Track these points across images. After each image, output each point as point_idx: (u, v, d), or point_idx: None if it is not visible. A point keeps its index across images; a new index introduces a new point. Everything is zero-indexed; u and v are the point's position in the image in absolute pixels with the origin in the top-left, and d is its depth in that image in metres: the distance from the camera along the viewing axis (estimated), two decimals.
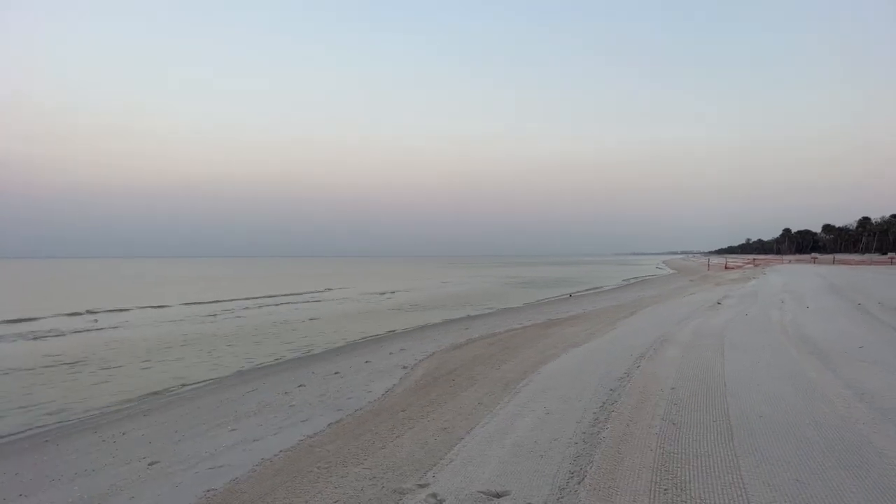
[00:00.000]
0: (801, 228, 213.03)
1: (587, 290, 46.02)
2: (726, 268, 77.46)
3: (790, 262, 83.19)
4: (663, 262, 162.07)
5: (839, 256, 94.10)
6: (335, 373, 12.82)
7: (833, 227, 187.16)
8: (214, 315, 30.56)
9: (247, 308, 34.86)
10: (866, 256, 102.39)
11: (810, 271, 45.18)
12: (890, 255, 76.19)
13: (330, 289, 54.37)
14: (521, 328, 18.09)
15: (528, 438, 6.02)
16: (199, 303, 38.57)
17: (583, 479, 4.71)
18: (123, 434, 9.14)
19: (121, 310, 33.26)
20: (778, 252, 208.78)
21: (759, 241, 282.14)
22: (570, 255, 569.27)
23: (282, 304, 37.77)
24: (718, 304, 19.61)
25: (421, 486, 5.02)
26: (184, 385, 14.04)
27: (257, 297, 42.67)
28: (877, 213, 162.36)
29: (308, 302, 39.20)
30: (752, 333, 12.82)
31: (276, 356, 17.67)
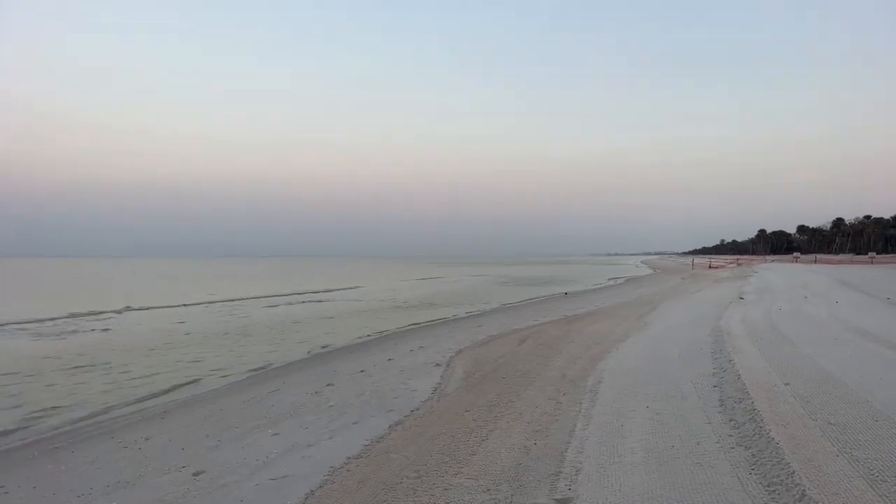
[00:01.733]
0: (776, 229, 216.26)
1: (580, 288, 45.52)
2: (710, 267, 77.97)
3: (773, 261, 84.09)
4: (642, 262, 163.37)
5: (820, 256, 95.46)
6: (361, 371, 11.98)
7: (807, 227, 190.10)
8: (224, 313, 29.40)
9: (246, 307, 33.70)
10: (845, 256, 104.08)
11: (801, 270, 45.36)
12: (870, 254, 77.50)
13: (322, 290, 53.22)
14: (538, 325, 17.41)
15: (658, 443, 5.30)
16: (198, 303, 37.24)
17: (802, 495, 3.82)
18: (147, 439, 8.18)
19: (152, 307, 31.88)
20: (753, 252, 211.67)
21: (734, 241, 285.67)
22: (546, 255, 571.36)
23: (278, 304, 36.67)
24: (741, 299, 19.17)
25: (561, 501, 4.23)
26: (187, 385, 13.01)
27: (260, 297, 41.40)
28: (850, 215, 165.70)
29: (299, 303, 38.13)
30: (807, 327, 12.27)
31: (280, 355, 16.70)
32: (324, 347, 17.86)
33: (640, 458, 4.85)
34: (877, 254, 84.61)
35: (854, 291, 20.75)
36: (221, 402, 10.60)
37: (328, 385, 10.75)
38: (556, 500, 4.21)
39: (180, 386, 12.89)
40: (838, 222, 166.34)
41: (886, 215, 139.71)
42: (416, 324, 23.33)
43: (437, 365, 11.61)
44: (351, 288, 50.79)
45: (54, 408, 11.09)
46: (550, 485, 4.52)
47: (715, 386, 7.04)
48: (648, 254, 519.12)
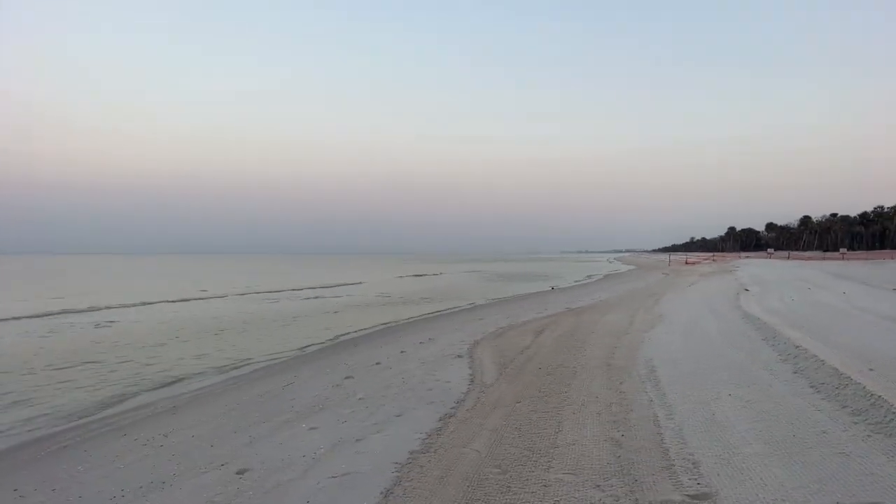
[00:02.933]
0: (745, 227, 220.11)
1: (564, 284, 45.40)
2: (687, 263, 78.79)
3: (747, 257, 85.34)
4: (615, 259, 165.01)
5: (793, 253, 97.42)
6: (376, 363, 11.45)
7: (776, 225, 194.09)
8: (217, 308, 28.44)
9: (244, 302, 32.76)
10: (816, 253, 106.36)
11: (783, 265, 45.93)
12: (841, 250, 79.44)
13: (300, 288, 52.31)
14: (546, 317, 17.08)
15: (773, 432, 4.92)
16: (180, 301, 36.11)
17: None
18: (165, 436, 7.54)
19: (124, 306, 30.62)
20: (722, 250, 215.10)
21: (704, 239, 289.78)
22: (519, 253, 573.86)
23: (273, 300, 35.78)
24: (746, 290, 19.06)
25: (697, 497, 3.78)
26: (179, 380, 12.31)
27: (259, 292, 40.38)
28: (817, 213, 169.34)
29: (300, 299, 37.28)
30: (833, 315, 12.13)
31: (282, 349, 16.04)
32: (327, 341, 17.23)
33: (762, 449, 4.46)
34: (847, 250, 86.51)
35: (855, 283, 20.86)
36: (232, 396, 9.97)
37: (347, 378, 10.20)
38: (690, 496, 3.76)
39: (181, 379, 12.18)
40: (805, 220, 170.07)
41: (852, 213, 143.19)
42: (413, 317, 22.83)
43: (459, 357, 11.15)
44: (347, 284, 49.94)
45: (48, 404, 10.31)
46: (672, 479, 4.08)
47: (795, 372, 6.70)
48: (618, 251, 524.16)
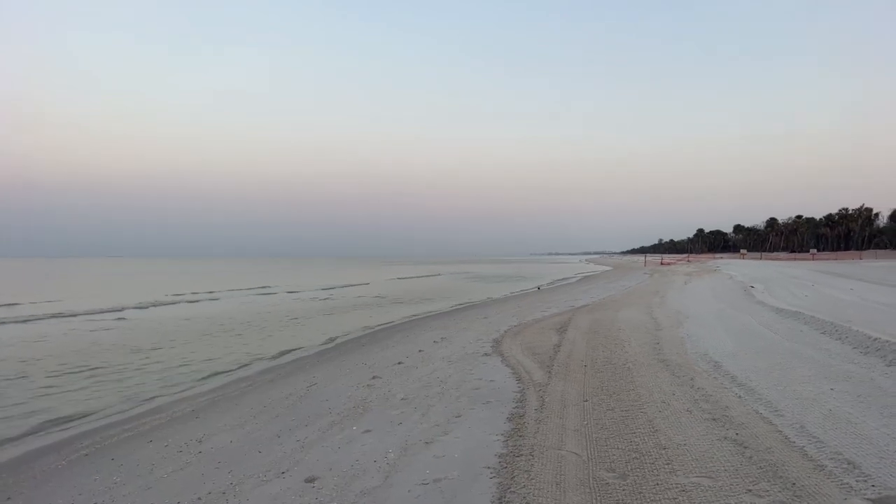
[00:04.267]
0: (713, 229, 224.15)
1: (548, 284, 45.23)
2: (663, 264, 79.65)
3: (721, 258, 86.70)
4: (587, 261, 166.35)
5: (765, 254, 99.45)
6: (398, 363, 10.97)
7: (743, 227, 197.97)
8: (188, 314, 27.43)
9: (221, 301, 31.75)
10: (785, 253, 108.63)
11: (760, 264, 46.61)
12: (811, 251, 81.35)
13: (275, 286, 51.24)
14: (556, 315, 16.79)
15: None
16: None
17: None
18: (200, 441, 6.96)
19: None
20: (690, 251, 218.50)
21: (672, 241, 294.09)
22: (489, 255, 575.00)
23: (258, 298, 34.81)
24: (752, 287, 19.01)
25: (880, 502, 3.41)
26: (192, 382, 11.65)
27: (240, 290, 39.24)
28: (783, 215, 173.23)
29: (269, 296, 36.37)
30: (864, 309, 11.97)
31: (280, 349, 15.41)
32: (332, 340, 16.65)
33: None
34: (824, 250, 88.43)
35: (855, 281, 21.07)
36: (254, 398, 9.39)
37: (374, 377, 9.70)
38: (870, 500, 3.38)
39: (190, 382, 11.49)
40: (772, 222, 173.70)
41: (817, 215, 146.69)
42: (414, 316, 22.34)
43: (486, 355, 10.72)
44: (352, 286, 49.07)
45: (48, 409, 9.58)
46: (835, 481, 3.73)
47: (890, 364, 6.41)
48: (588, 253, 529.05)
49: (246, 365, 13.27)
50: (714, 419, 5.40)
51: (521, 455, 4.96)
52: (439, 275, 71.60)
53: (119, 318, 23.52)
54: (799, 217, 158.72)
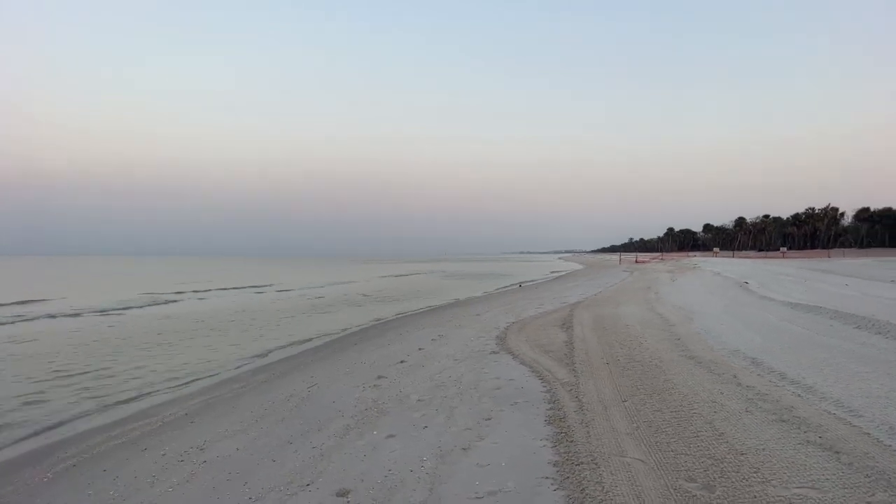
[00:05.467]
0: (683, 228, 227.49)
1: (529, 282, 44.94)
2: (637, 262, 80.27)
3: (695, 256, 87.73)
4: (560, 259, 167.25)
5: (737, 252, 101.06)
6: (401, 361, 10.43)
7: (712, 226, 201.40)
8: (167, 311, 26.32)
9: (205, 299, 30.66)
10: (756, 252, 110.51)
11: (737, 262, 47.04)
12: (782, 249, 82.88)
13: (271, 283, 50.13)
14: (551, 312, 16.41)
15: None
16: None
17: None
18: (202, 449, 6.32)
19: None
20: (660, 250, 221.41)
21: (642, 240, 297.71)
22: (461, 254, 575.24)
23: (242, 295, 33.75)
24: (746, 283, 18.87)
25: None
26: (183, 385, 10.93)
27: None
28: (751, 214, 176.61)
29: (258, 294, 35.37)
30: (877, 304, 11.73)
31: (272, 347, 14.71)
32: (322, 337, 15.99)
33: None
34: (791, 249, 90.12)
35: (844, 277, 21.11)
36: (251, 400, 8.73)
37: (379, 377, 9.15)
38: None
39: (175, 384, 10.75)
40: (741, 221, 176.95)
41: (784, 215, 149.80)
42: (401, 313, 21.75)
43: (494, 353, 10.27)
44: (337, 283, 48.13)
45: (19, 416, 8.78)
46: None
47: None
48: (559, 252, 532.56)
49: (236, 365, 12.53)
50: (782, 420, 4.97)
51: (582, 463, 4.46)
52: (420, 273, 70.96)
53: (100, 317, 22.43)
54: (766, 216, 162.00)
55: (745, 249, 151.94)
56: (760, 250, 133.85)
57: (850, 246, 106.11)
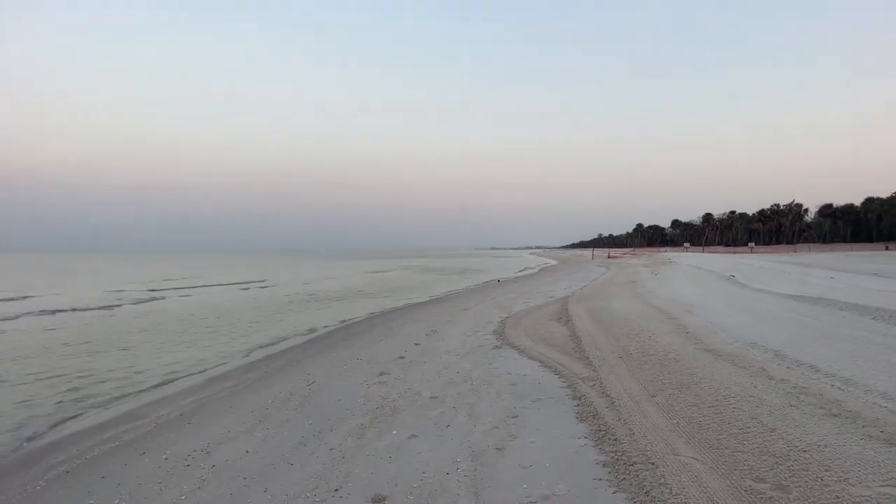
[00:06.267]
0: (651, 224, 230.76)
1: (505, 277, 44.75)
2: (610, 257, 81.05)
3: (667, 251, 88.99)
4: (532, 255, 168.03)
5: (707, 248, 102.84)
6: (400, 357, 10.19)
7: (680, 222, 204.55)
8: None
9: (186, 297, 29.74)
10: (724, 247, 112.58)
11: (709, 257, 47.68)
12: (750, 244, 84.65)
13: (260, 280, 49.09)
14: (540, 307, 16.34)
15: None
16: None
17: None
18: (207, 453, 5.92)
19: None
20: (629, 245, 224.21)
21: (611, 235, 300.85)
22: (432, 249, 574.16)
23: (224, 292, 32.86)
24: (732, 276, 18.97)
25: None
26: (166, 383, 10.43)
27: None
28: (718, 210, 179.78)
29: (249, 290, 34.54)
30: (862, 295, 11.80)
31: (258, 344, 14.23)
32: (307, 333, 15.53)
33: None
34: (757, 244, 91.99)
35: (825, 270, 21.38)
36: (249, 400, 8.31)
37: (381, 373, 8.84)
38: None
39: (165, 383, 10.25)
40: (708, 217, 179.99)
41: (750, 211, 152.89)
42: (384, 310, 21.33)
43: (497, 348, 10.05)
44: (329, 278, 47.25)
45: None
46: None
47: None
48: (529, 248, 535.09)
49: (223, 363, 12.03)
50: (833, 415, 4.80)
51: (636, 463, 4.20)
52: (394, 270, 70.45)
53: (80, 314, 21.54)
54: (733, 213, 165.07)
55: (713, 245, 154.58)
56: (728, 245, 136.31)
57: (814, 241, 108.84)
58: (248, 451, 5.78)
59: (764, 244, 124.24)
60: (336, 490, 4.50)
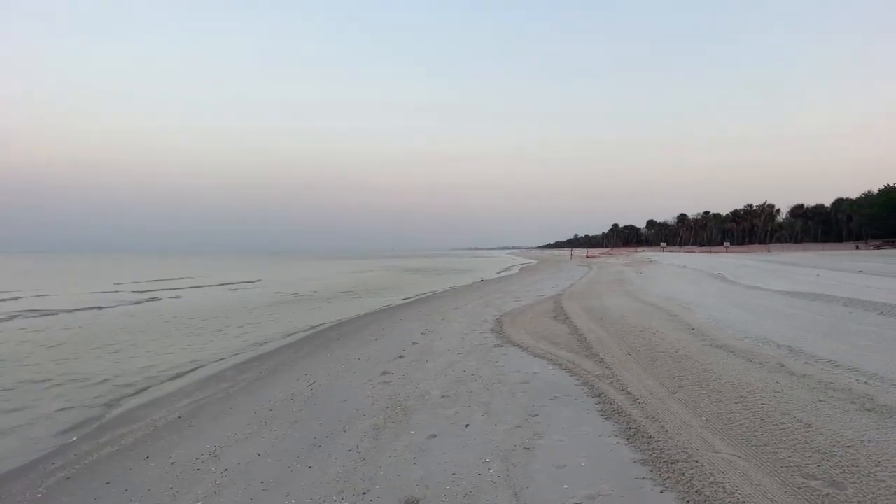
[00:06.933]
0: (627, 224, 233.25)
1: (488, 277, 44.68)
2: (588, 256, 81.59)
3: (644, 251, 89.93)
4: (510, 255, 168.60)
5: (683, 247, 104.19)
6: (399, 356, 9.98)
7: (655, 222, 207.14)
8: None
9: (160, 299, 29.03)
10: (700, 247, 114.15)
11: (688, 256, 48.14)
12: (725, 244, 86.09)
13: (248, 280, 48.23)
14: (531, 305, 16.23)
15: None
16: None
17: None
18: (216, 456, 5.69)
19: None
20: (606, 245, 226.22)
21: (587, 235, 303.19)
22: (410, 249, 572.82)
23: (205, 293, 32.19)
24: (720, 274, 19.11)
25: None
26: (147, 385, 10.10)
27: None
28: (692, 211, 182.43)
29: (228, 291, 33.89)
30: (850, 290, 11.92)
31: (250, 344, 13.91)
32: (299, 332, 15.25)
33: None
34: (731, 244, 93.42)
35: (808, 268, 21.64)
36: (248, 400, 8.09)
37: (384, 373, 8.65)
38: None
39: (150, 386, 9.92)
40: (682, 217, 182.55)
41: (723, 212, 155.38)
42: (375, 310, 21.07)
43: (499, 346, 9.92)
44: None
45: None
46: None
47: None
48: (507, 248, 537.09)
49: (213, 363, 11.71)
50: (867, 409, 4.76)
51: (678, 461, 4.09)
52: (374, 270, 70.03)
53: (67, 315, 20.87)
54: (707, 213, 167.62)
55: (689, 244, 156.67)
56: (702, 245, 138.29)
57: (786, 241, 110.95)
58: (259, 454, 5.56)
59: (738, 244, 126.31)
60: (364, 493, 4.32)
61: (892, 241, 61.46)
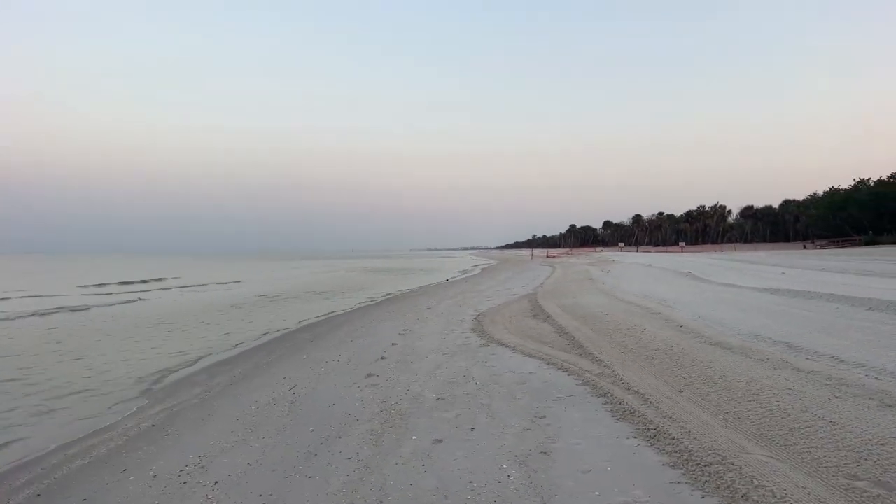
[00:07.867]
0: (583, 225, 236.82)
1: (452, 277, 44.49)
2: (549, 256, 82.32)
3: (603, 251, 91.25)
4: (471, 255, 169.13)
5: (640, 247, 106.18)
6: (381, 358, 9.67)
7: (611, 223, 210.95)
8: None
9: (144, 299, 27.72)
10: (656, 247, 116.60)
11: (646, 255, 48.96)
12: (680, 244, 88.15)
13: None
14: (506, 304, 16.10)
15: None
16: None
17: None
18: (203, 467, 5.27)
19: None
20: (562, 245, 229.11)
21: (545, 236, 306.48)
22: (368, 250, 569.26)
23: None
24: (689, 272, 19.32)
25: None
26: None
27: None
28: (647, 212, 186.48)
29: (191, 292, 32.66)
30: (822, 285, 12.13)
31: (213, 348, 13.32)
32: (263, 335, 14.69)
33: None
34: (685, 244, 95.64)
35: (771, 266, 22.10)
36: (227, 405, 7.64)
37: (369, 375, 8.34)
38: None
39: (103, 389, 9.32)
40: (637, 218, 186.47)
41: (677, 213, 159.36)
42: (332, 312, 20.55)
43: (485, 346, 9.72)
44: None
45: None
46: None
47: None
48: (465, 248, 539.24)
49: (180, 368, 11.12)
50: (888, 405, 4.72)
51: (712, 464, 3.92)
52: (338, 270, 69.07)
53: (30, 318, 19.67)
54: (661, 214, 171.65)
55: (644, 244, 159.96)
56: (657, 245, 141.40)
57: (737, 241, 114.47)
58: (250, 464, 5.17)
59: (691, 244, 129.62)
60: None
61: (837, 241, 63.91)
